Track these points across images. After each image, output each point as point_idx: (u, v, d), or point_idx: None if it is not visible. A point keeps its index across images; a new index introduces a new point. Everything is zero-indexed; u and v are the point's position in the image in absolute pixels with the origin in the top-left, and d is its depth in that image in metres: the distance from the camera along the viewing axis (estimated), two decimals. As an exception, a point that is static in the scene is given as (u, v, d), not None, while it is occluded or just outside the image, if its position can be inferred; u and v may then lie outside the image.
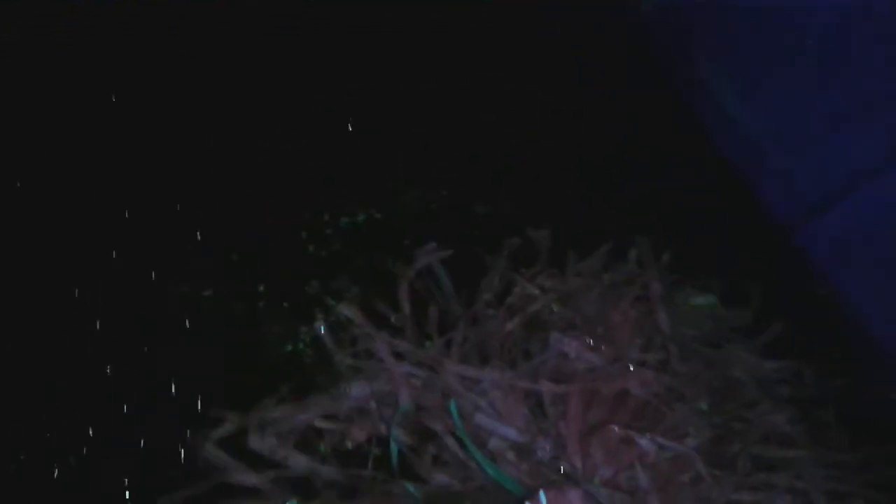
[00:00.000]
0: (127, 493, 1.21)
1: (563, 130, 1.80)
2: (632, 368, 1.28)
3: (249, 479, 1.20)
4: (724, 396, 1.31)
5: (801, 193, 1.69)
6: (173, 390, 1.33)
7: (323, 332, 1.37)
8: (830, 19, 1.52)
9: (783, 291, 1.64)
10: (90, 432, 1.27)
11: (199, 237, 1.54)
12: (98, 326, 1.39)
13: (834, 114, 1.58)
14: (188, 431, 1.26)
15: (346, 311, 1.37)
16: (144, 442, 1.27)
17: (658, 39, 1.95)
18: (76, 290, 1.42)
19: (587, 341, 1.31)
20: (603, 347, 1.32)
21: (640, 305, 1.40)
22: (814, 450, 1.27)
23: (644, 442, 1.20)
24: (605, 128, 1.82)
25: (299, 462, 1.22)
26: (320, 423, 1.26)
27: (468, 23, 1.88)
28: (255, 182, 1.61)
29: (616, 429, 1.20)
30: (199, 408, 1.30)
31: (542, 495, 1.12)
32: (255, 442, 1.22)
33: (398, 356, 1.32)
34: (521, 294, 1.39)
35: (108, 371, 1.34)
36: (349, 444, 1.26)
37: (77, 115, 1.62)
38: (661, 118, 1.86)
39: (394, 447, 1.22)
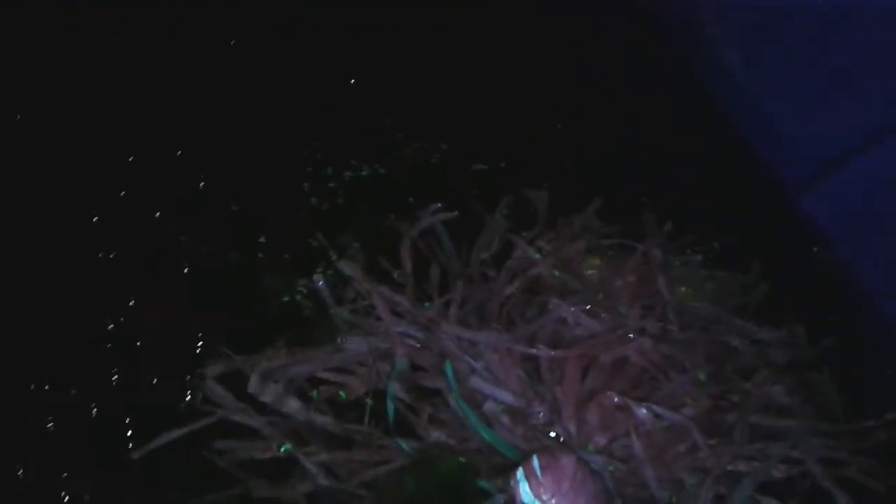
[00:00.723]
0: (129, 431, 1.20)
1: (563, 86, 1.76)
2: (631, 336, 1.26)
3: (248, 419, 1.19)
4: (721, 365, 1.29)
5: (806, 157, 1.65)
6: (170, 335, 1.31)
7: (321, 285, 1.34)
8: None
9: (786, 256, 1.62)
10: (87, 373, 1.26)
11: (200, 186, 1.52)
12: (97, 270, 1.37)
13: (840, 75, 1.54)
14: (186, 374, 1.25)
15: (347, 267, 1.34)
16: (142, 384, 1.26)
17: (662, 4, 1.89)
18: (76, 235, 1.40)
19: (587, 307, 1.28)
20: (602, 314, 1.29)
21: (640, 272, 1.36)
22: (810, 418, 1.25)
23: (640, 410, 1.18)
24: (605, 90, 1.78)
25: (296, 410, 1.20)
26: (318, 374, 1.24)
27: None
28: (258, 134, 1.59)
29: (613, 396, 1.19)
30: (197, 352, 1.29)
31: (535, 460, 1.11)
32: (254, 387, 1.21)
33: (397, 314, 1.30)
34: (520, 257, 1.36)
35: (105, 314, 1.32)
36: (345, 398, 1.24)
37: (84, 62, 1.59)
38: (666, 83, 1.81)
39: (390, 403, 1.20)
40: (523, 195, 1.52)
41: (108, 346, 1.29)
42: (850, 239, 1.59)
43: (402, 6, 1.78)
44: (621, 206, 1.56)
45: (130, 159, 1.52)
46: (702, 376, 1.26)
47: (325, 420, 1.19)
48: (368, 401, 1.23)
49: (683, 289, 1.38)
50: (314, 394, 1.23)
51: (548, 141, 1.69)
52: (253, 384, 1.20)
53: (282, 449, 1.17)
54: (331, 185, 1.55)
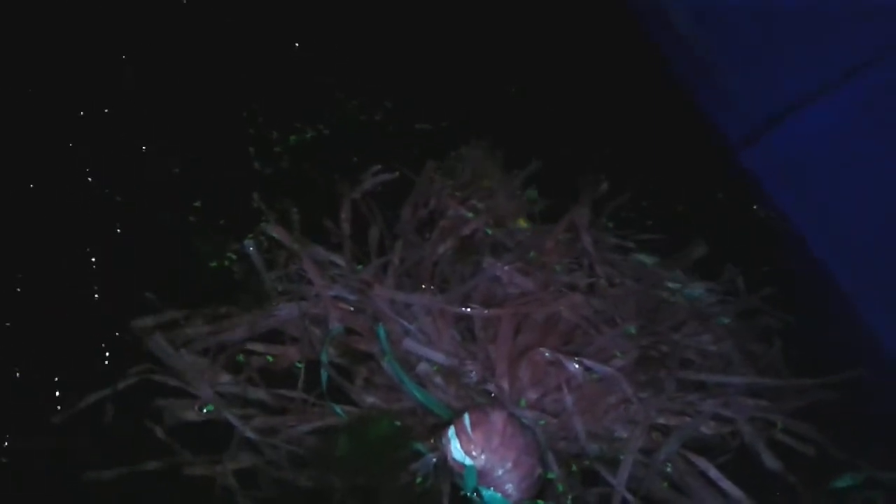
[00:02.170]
0: (56, 392, 1.16)
1: (509, 48, 1.72)
2: (562, 292, 1.25)
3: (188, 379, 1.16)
4: (653, 318, 1.28)
5: (747, 113, 1.63)
6: (96, 296, 1.27)
7: (251, 250, 1.30)
8: None
9: (726, 211, 1.62)
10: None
11: (143, 150, 1.47)
12: (29, 226, 1.32)
13: (783, 30, 1.52)
14: (109, 334, 1.21)
15: (275, 231, 1.31)
16: (68, 343, 1.21)
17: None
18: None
19: (519, 266, 1.27)
20: (535, 272, 1.28)
21: (571, 231, 1.35)
22: (747, 373, 1.25)
23: (571, 365, 1.17)
24: (553, 45, 1.74)
25: (225, 381, 1.17)
26: (249, 345, 1.21)
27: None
28: (200, 98, 1.53)
29: (545, 352, 1.18)
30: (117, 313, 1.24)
31: (466, 417, 1.10)
32: (157, 347, 1.17)
33: (331, 278, 1.27)
34: (452, 216, 1.34)
35: (29, 268, 1.28)
36: (275, 364, 1.21)
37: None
38: (612, 39, 1.78)
39: (324, 370, 1.18)
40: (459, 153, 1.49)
41: (29, 303, 1.24)
42: (791, 194, 1.58)
43: None
44: (561, 164, 1.54)
45: (69, 117, 1.45)
46: (632, 329, 1.26)
47: (255, 391, 1.16)
48: (298, 364, 1.19)
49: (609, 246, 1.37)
50: (240, 357, 1.19)
51: (491, 97, 1.65)
52: (179, 357, 1.16)
53: (205, 409, 1.13)
54: (276, 149, 1.50)
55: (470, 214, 1.34)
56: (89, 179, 1.40)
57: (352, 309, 1.24)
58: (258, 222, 1.36)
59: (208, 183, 1.43)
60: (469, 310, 1.20)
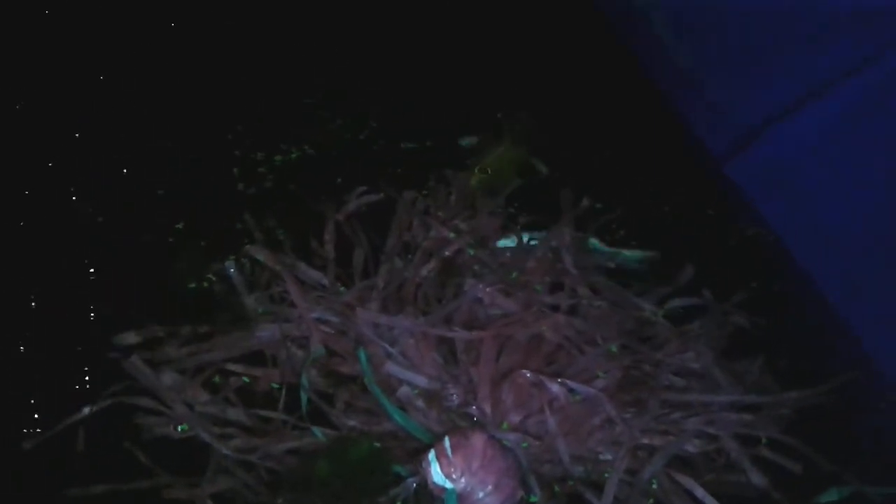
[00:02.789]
0: (35, 414, 1.14)
1: (492, 58, 1.71)
2: (544, 312, 1.23)
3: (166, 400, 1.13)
4: (635, 337, 1.26)
5: (731, 123, 1.61)
6: (75, 313, 1.25)
7: (232, 272, 1.28)
8: None
9: (711, 224, 1.60)
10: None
11: (125, 172, 1.45)
12: (11, 246, 1.31)
13: (765, 40, 1.50)
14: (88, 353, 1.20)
15: (258, 252, 1.29)
16: (44, 364, 1.19)
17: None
18: None
19: (501, 287, 1.24)
20: (517, 293, 1.25)
21: (552, 251, 1.33)
22: (726, 391, 1.23)
23: (554, 386, 1.15)
24: (535, 57, 1.73)
25: (204, 402, 1.15)
26: (229, 366, 1.18)
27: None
28: (187, 121, 1.52)
29: (527, 374, 1.15)
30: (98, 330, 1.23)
31: (446, 440, 1.07)
32: (133, 367, 1.15)
33: (314, 300, 1.25)
34: (435, 237, 1.31)
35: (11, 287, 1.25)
36: (253, 386, 1.19)
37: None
38: (593, 48, 1.77)
39: (304, 393, 1.16)
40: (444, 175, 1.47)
41: (9, 321, 1.23)
42: (777, 204, 1.56)
43: None
44: (545, 180, 1.52)
45: (54, 136, 1.44)
46: (614, 348, 1.23)
47: (235, 412, 1.14)
48: (274, 385, 1.18)
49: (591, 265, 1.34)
50: (216, 378, 1.17)
51: (477, 116, 1.63)
52: (133, 365, 1.14)
53: (179, 428, 1.11)
54: (260, 169, 1.48)
55: (452, 234, 1.32)
56: (73, 199, 1.39)
57: (334, 331, 1.21)
58: (241, 243, 1.34)
59: (192, 204, 1.41)
60: (452, 333, 1.17)
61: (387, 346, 1.16)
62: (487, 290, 1.23)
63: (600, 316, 1.25)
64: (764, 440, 1.20)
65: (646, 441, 1.16)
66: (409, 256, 1.32)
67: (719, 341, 1.28)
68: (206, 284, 1.31)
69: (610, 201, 1.51)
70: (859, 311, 1.39)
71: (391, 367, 1.15)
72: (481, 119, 1.62)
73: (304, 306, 1.21)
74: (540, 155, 1.57)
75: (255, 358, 1.22)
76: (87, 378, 1.18)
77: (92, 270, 1.31)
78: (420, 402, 1.13)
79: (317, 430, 1.12)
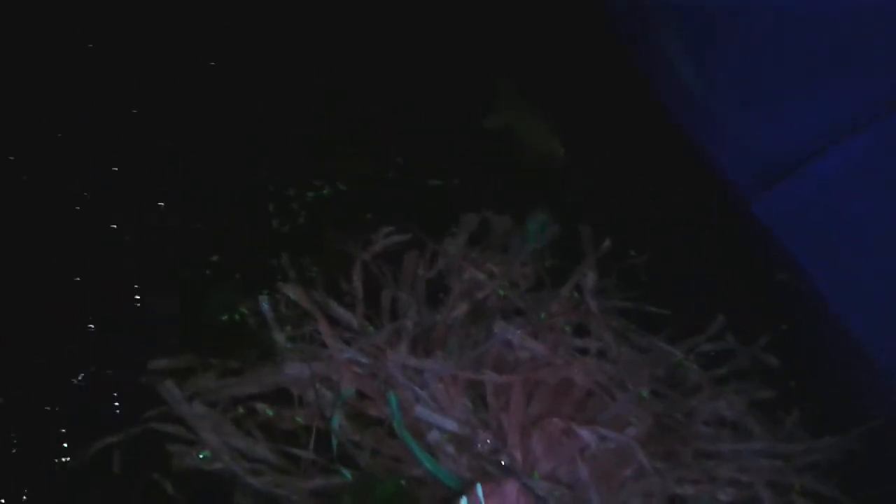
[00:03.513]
0: (65, 443, 1.10)
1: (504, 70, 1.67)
2: (574, 356, 1.18)
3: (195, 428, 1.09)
4: (665, 383, 1.21)
5: (759, 162, 1.57)
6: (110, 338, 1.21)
7: (265, 307, 1.24)
8: None
9: (739, 263, 1.54)
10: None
11: (162, 206, 1.41)
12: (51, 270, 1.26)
13: (791, 78, 1.46)
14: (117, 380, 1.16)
15: (291, 291, 1.25)
16: (77, 391, 1.15)
17: (614, 8, 1.80)
18: (32, 237, 1.29)
19: (531, 329, 1.19)
20: (546, 334, 1.20)
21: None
22: (760, 439, 1.17)
23: (585, 433, 1.10)
24: (555, 94, 1.68)
25: (232, 435, 1.11)
26: (256, 404, 1.14)
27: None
28: (219, 156, 1.47)
29: (558, 421, 1.10)
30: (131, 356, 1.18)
31: (478, 488, 1.02)
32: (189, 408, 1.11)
33: (344, 341, 1.20)
34: (467, 279, 1.27)
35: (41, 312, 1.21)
36: (278, 421, 1.15)
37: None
38: (614, 86, 1.73)
39: (334, 434, 1.11)
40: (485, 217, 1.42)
41: (47, 346, 1.18)
42: (805, 243, 1.51)
43: (344, 27, 1.67)
44: (570, 222, 1.47)
45: (94, 165, 1.39)
46: (644, 393, 1.18)
47: (262, 449, 1.10)
48: (299, 419, 1.14)
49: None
50: (240, 410, 1.13)
51: (500, 155, 1.59)
52: (168, 391, 1.10)
53: (201, 455, 1.08)
54: (293, 205, 1.44)
55: (483, 276, 1.27)
56: (113, 227, 1.34)
57: (363, 373, 1.16)
58: (274, 279, 1.30)
59: (228, 237, 1.37)
60: (481, 376, 1.12)
61: (417, 389, 1.11)
62: (517, 332, 1.17)
63: (630, 360, 1.20)
64: (797, 487, 1.13)
65: (678, 490, 1.10)
66: (440, 295, 1.26)
67: (750, 387, 1.22)
68: (237, 318, 1.27)
69: (636, 241, 1.46)
70: (890, 351, 1.34)
71: (421, 411, 1.10)
72: (505, 157, 1.58)
73: (335, 346, 1.17)
74: (566, 199, 1.53)
75: (281, 395, 1.18)
76: (118, 402, 1.15)
77: (137, 297, 1.27)
78: (450, 448, 1.08)
79: (345, 472, 1.07)
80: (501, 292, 1.26)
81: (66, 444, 1.09)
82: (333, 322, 1.23)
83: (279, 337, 1.21)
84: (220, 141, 1.51)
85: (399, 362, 1.14)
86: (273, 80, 1.59)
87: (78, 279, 1.27)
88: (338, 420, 1.11)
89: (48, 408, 1.12)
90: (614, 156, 1.62)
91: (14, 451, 1.08)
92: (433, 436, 1.09)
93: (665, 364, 1.23)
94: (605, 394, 1.16)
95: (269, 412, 1.15)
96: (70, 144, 1.42)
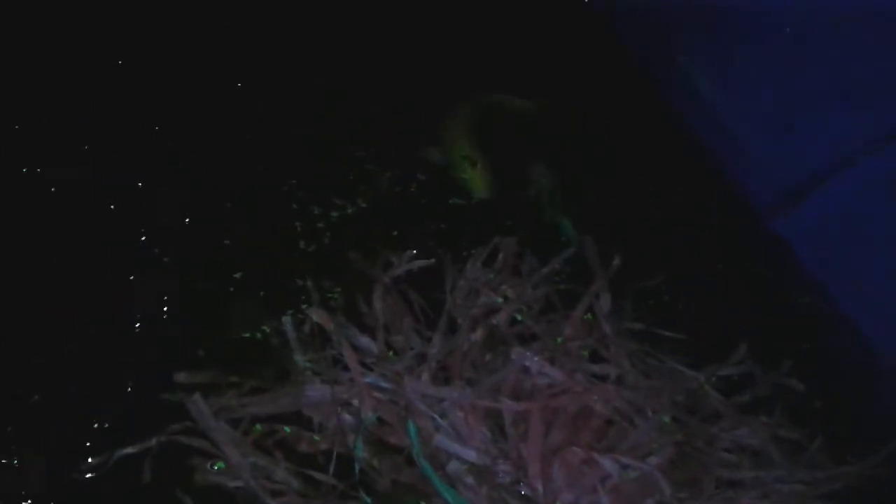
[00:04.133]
0: (88, 443, 1.09)
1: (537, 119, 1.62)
2: (593, 382, 1.13)
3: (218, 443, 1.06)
4: (686, 409, 1.16)
5: (780, 180, 1.54)
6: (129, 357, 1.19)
7: (289, 327, 1.21)
8: (807, 8, 1.37)
9: (759, 282, 1.49)
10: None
11: (186, 222, 1.38)
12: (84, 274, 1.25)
13: (811, 97, 1.43)
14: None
15: (317, 315, 1.21)
16: (99, 402, 1.13)
17: (634, 29, 1.76)
18: (62, 253, 1.26)
19: (547, 355, 1.15)
20: (563, 359, 1.16)
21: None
22: (781, 467, 1.12)
23: (607, 463, 1.05)
24: (577, 117, 1.64)
25: (254, 457, 1.08)
26: (276, 425, 1.12)
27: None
28: (246, 174, 1.44)
29: (578, 450, 1.06)
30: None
31: (500, 521, 0.98)
32: (196, 410, 1.09)
33: (365, 366, 1.17)
34: (483, 304, 1.22)
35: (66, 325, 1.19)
36: (303, 447, 1.12)
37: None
38: (635, 106, 1.69)
39: (357, 461, 1.08)
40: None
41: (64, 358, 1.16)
42: (825, 261, 1.48)
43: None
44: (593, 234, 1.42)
45: (127, 179, 1.37)
46: (666, 419, 1.13)
47: (282, 473, 1.07)
48: (315, 438, 1.11)
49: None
50: (257, 427, 1.11)
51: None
52: (195, 405, 1.07)
53: (215, 467, 1.06)
54: (319, 224, 1.40)
55: (500, 300, 1.23)
56: (143, 239, 1.32)
57: (384, 398, 1.13)
58: (298, 298, 1.28)
59: (253, 255, 1.34)
60: (499, 404, 1.08)
61: (437, 417, 1.07)
62: (535, 358, 1.13)
63: (649, 386, 1.15)
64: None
65: (700, 519, 1.05)
66: (458, 320, 1.22)
67: (772, 414, 1.17)
68: (259, 336, 1.24)
69: (657, 259, 1.42)
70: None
71: (441, 441, 1.06)
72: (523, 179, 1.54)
73: (356, 370, 1.13)
74: (588, 214, 1.49)
75: (301, 417, 1.15)
76: (139, 414, 1.12)
77: (165, 309, 1.25)
78: (470, 479, 1.04)
79: (366, 498, 1.03)
80: (519, 317, 1.21)
81: (89, 458, 1.07)
82: (355, 346, 1.20)
83: (300, 358, 1.18)
84: (237, 145, 1.47)
85: (419, 390, 1.10)
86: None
87: (103, 290, 1.25)
88: (360, 446, 1.08)
89: (73, 416, 1.11)
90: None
91: (41, 458, 1.07)
92: (453, 466, 1.06)
93: (684, 389, 1.18)
94: (625, 421, 1.11)
95: (289, 431, 1.12)
96: (97, 157, 1.39)
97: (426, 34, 1.65)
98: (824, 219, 1.46)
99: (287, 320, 1.22)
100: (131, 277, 1.27)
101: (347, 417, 1.13)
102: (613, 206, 1.52)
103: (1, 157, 1.32)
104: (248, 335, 1.24)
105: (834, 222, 1.45)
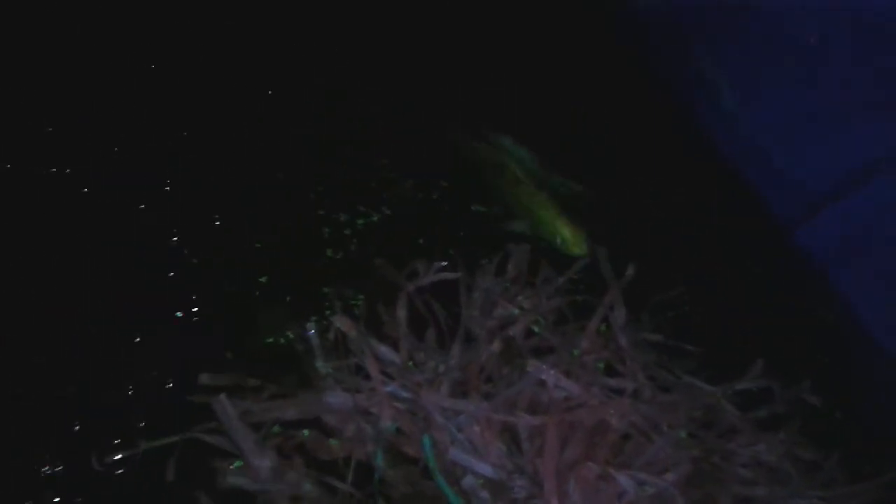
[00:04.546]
0: (116, 439, 1.08)
1: (555, 127, 1.58)
2: (609, 397, 1.11)
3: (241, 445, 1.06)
4: (703, 425, 1.13)
5: (802, 191, 1.51)
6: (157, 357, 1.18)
7: (312, 333, 1.20)
8: (828, 15, 1.34)
9: (781, 292, 1.46)
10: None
11: (218, 221, 1.38)
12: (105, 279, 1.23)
13: (833, 109, 1.40)
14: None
15: (342, 322, 1.20)
16: (127, 399, 1.13)
17: (655, 36, 1.73)
18: (91, 253, 1.25)
19: (564, 368, 1.13)
20: (579, 372, 1.14)
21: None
22: (798, 483, 1.09)
23: (623, 479, 1.03)
24: (600, 124, 1.62)
25: (274, 461, 1.07)
26: (295, 431, 1.11)
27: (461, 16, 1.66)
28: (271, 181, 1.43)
29: (594, 465, 1.04)
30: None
31: (515, 537, 0.97)
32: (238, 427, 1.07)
33: (386, 374, 1.16)
34: (499, 315, 1.20)
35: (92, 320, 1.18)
36: (322, 453, 1.11)
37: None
38: (658, 116, 1.66)
39: (377, 470, 1.07)
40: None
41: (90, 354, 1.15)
42: (848, 272, 1.45)
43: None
44: (612, 249, 1.40)
45: (157, 181, 1.37)
46: (682, 433, 1.11)
47: (302, 472, 1.06)
48: (333, 442, 1.10)
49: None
50: (275, 428, 1.09)
51: (537, 137, 1.52)
52: (221, 406, 1.06)
53: (234, 465, 1.05)
54: (346, 231, 1.39)
55: (517, 311, 1.21)
56: (174, 239, 1.32)
57: (403, 408, 1.12)
58: (322, 305, 1.27)
59: (280, 260, 1.33)
60: (516, 418, 1.07)
61: (454, 430, 1.06)
62: (551, 372, 1.11)
63: (666, 401, 1.12)
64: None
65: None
66: (476, 330, 1.21)
67: (790, 430, 1.14)
68: (282, 341, 1.22)
69: (678, 271, 1.39)
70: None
71: (456, 454, 1.05)
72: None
73: (377, 379, 1.12)
74: (604, 217, 1.45)
75: (320, 424, 1.14)
76: (163, 413, 1.11)
77: (195, 310, 1.24)
78: (485, 494, 1.03)
79: None
80: (537, 329, 1.19)
81: (115, 454, 1.06)
82: (377, 355, 1.19)
83: (322, 365, 1.18)
84: (269, 149, 1.45)
85: (437, 403, 1.09)
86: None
87: (134, 289, 1.24)
88: (381, 456, 1.07)
89: (95, 417, 1.10)
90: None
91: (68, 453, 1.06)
92: (468, 481, 1.05)
93: (701, 404, 1.15)
94: (641, 436, 1.09)
95: (307, 435, 1.11)
96: (125, 161, 1.38)
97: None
98: (847, 230, 1.43)
99: (311, 326, 1.21)
100: (162, 277, 1.26)
101: (367, 426, 1.12)
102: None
103: (31, 159, 1.32)
104: (271, 340, 1.23)
105: (856, 234, 1.42)
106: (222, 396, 1.08)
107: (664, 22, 1.69)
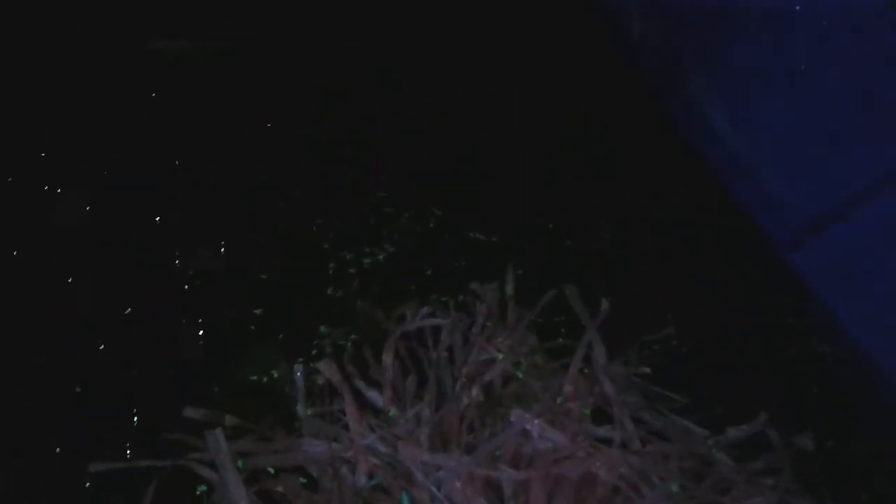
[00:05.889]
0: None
1: (550, 153, 1.49)
2: (596, 447, 0.99)
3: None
4: (695, 476, 1.01)
5: (796, 216, 1.40)
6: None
7: (298, 376, 1.11)
8: (821, 40, 1.25)
9: (777, 316, 1.34)
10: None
11: (222, 250, 1.28)
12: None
13: (828, 131, 1.30)
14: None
15: (326, 368, 1.11)
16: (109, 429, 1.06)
17: (648, 62, 1.63)
18: (93, 282, 1.19)
19: (548, 417, 1.01)
20: (564, 423, 1.02)
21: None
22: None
23: (611, 538, 0.92)
24: (594, 151, 1.51)
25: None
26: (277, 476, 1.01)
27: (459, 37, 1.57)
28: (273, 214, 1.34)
29: (581, 525, 0.93)
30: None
31: None
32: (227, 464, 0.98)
33: (368, 426, 1.05)
34: (475, 360, 1.09)
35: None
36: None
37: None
38: (652, 141, 1.55)
39: None
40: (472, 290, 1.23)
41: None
42: (844, 296, 1.34)
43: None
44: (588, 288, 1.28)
45: (164, 209, 1.29)
46: (675, 487, 0.99)
47: None
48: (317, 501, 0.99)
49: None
50: (239, 463, 1.00)
51: (535, 165, 1.45)
52: (213, 439, 0.98)
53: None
54: (351, 270, 1.29)
55: (500, 355, 1.09)
56: (176, 262, 1.24)
57: (381, 463, 1.01)
58: (312, 343, 1.18)
59: (276, 293, 1.24)
60: (498, 473, 0.96)
61: (433, 488, 0.95)
62: (535, 421, 1.00)
63: (656, 451, 1.00)
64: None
65: None
66: (460, 379, 1.10)
67: (784, 478, 1.01)
68: (264, 381, 1.15)
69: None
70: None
71: (436, 514, 0.94)
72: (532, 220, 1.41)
73: (356, 432, 1.02)
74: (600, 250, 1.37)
75: (300, 470, 1.05)
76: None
77: (200, 333, 1.18)
78: (467, 557, 0.92)
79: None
80: (520, 374, 1.08)
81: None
82: (361, 402, 1.09)
83: (302, 410, 1.08)
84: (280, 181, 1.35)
85: (416, 458, 0.98)
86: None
87: (127, 313, 1.17)
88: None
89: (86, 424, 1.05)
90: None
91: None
92: (449, 543, 0.94)
93: (693, 453, 1.03)
94: (631, 490, 0.97)
95: (272, 470, 1.02)
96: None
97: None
98: (844, 254, 1.32)
99: (298, 368, 1.12)
100: (155, 302, 1.18)
101: (348, 475, 1.02)
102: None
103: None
104: (255, 378, 1.14)
105: (854, 257, 1.31)
106: (218, 431, 0.99)
107: (656, 46, 1.61)
